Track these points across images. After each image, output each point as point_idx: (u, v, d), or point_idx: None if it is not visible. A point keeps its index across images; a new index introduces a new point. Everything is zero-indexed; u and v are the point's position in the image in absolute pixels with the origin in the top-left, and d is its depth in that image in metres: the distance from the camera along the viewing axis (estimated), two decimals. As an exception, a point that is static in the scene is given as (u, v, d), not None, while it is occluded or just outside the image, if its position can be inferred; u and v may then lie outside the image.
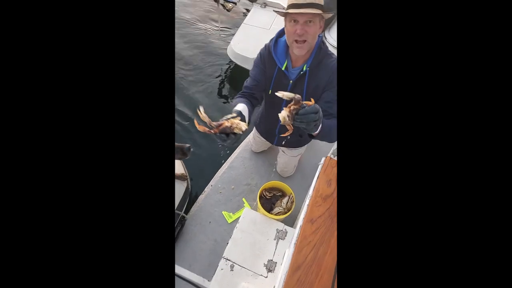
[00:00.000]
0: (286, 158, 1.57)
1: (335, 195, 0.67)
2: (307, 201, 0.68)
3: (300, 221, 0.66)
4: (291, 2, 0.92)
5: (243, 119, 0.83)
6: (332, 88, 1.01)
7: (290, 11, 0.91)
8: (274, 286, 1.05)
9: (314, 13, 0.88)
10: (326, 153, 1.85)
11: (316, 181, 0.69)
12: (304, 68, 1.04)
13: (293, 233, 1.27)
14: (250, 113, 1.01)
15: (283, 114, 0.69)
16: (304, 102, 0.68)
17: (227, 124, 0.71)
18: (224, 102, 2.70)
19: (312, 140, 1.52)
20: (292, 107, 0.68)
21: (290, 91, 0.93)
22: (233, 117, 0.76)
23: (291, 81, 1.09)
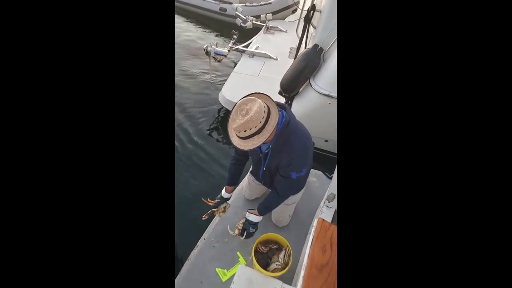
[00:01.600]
0: (280, 206, 1.54)
1: (331, 263, 0.64)
2: (302, 272, 0.64)
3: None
4: (235, 130, 0.97)
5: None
6: (286, 168, 1.09)
7: (235, 144, 0.99)
8: None
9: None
10: (320, 197, 1.83)
11: (310, 247, 0.67)
12: (269, 148, 1.12)
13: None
14: (238, 176, 1.47)
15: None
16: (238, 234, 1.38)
17: (215, 213, 1.45)
18: (218, 141, 2.75)
19: (306, 184, 1.54)
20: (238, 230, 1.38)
21: (263, 161, 1.23)
22: (220, 204, 1.44)
23: (260, 154, 1.21)
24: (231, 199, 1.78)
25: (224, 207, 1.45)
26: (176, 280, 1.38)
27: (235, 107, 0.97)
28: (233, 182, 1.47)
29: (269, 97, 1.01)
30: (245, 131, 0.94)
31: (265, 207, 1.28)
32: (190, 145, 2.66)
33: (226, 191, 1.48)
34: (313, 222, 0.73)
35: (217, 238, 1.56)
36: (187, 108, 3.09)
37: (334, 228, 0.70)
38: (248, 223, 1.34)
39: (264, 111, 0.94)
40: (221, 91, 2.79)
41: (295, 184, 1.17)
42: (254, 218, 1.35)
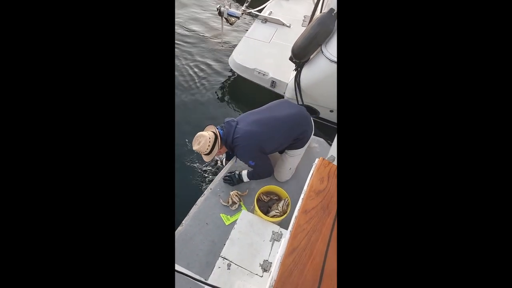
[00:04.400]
0: (283, 157, 1.66)
1: (326, 190, 0.74)
2: (302, 196, 0.74)
3: (295, 212, 0.73)
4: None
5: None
6: (240, 158, 1.63)
7: (203, 158, 1.58)
8: (271, 268, 1.09)
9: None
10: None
11: (310, 178, 0.76)
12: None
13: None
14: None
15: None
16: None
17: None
18: (224, 105, 2.80)
19: (308, 149, 1.68)
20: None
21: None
22: None
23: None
24: (236, 159, 1.90)
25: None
26: (184, 220, 1.53)
27: (195, 136, 1.53)
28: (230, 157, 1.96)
29: (216, 127, 1.57)
30: (199, 152, 1.52)
31: (251, 174, 1.68)
32: (195, 110, 2.71)
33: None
34: (315, 161, 0.82)
35: (222, 188, 1.69)
36: (195, 71, 3.10)
37: (331, 166, 0.79)
38: (238, 174, 1.70)
39: (209, 144, 1.48)
40: (231, 55, 2.78)
41: (256, 168, 1.60)
42: (244, 174, 1.69)
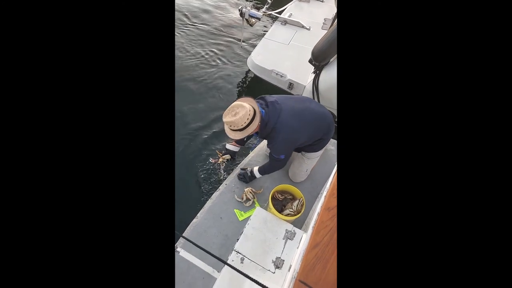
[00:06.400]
0: (299, 160, 1.66)
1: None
2: (324, 193, 0.76)
3: (318, 209, 0.74)
4: (226, 123, 1.34)
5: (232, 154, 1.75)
6: (271, 147, 1.48)
7: (226, 130, 1.38)
8: (291, 264, 1.11)
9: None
10: (335, 163, 1.91)
11: (334, 175, 0.78)
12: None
13: (301, 235, 1.33)
14: (244, 141, 1.76)
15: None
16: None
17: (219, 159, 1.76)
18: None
19: (324, 152, 1.69)
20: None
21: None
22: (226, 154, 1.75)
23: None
24: (251, 156, 1.92)
25: (227, 159, 1.79)
26: (199, 213, 1.56)
27: (230, 106, 1.30)
28: (239, 142, 1.77)
29: (256, 101, 1.37)
30: (230, 126, 1.29)
31: (263, 169, 1.64)
32: (210, 108, 2.76)
33: (232, 144, 1.77)
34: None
35: (237, 185, 1.72)
36: (214, 70, 3.16)
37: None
38: (250, 172, 1.68)
39: (248, 118, 1.25)
40: (250, 56, 2.82)
41: (277, 163, 1.52)
42: (255, 171, 1.66)
